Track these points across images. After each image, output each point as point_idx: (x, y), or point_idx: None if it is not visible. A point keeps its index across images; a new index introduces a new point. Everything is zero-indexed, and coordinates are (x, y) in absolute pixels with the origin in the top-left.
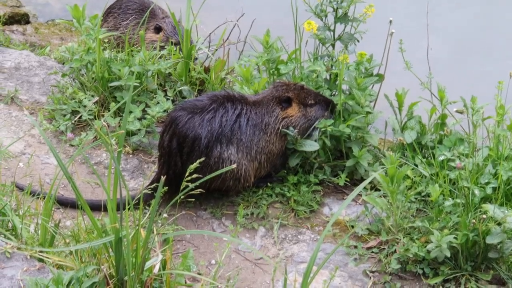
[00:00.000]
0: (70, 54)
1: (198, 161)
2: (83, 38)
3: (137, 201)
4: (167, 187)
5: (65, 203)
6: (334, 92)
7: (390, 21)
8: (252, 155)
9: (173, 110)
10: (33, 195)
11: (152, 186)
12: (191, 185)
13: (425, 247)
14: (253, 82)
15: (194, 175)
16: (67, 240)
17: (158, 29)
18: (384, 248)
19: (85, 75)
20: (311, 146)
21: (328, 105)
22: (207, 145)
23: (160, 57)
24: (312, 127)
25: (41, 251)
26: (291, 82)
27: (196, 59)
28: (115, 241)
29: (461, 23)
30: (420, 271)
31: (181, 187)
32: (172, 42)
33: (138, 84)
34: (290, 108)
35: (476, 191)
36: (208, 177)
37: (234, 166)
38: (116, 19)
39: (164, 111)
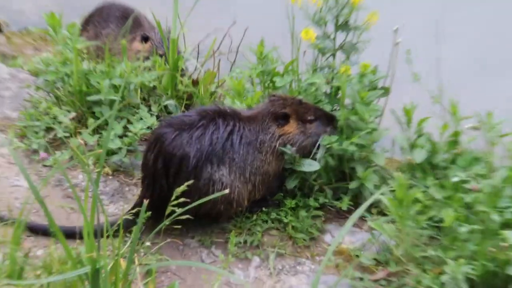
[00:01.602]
0: (45, 66)
1: (186, 183)
2: (59, 48)
3: (117, 227)
4: (150, 212)
5: (36, 230)
6: (335, 107)
7: (396, 30)
8: (246, 176)
9: (158, 127)
10: (1, 221)
11: (134, 211)
12: (178, 210)
13: (439, 279)
14: (246, 96)
15: (181, 199)
16: (38, 272)
17: (145, 39)
18: (393, 280)
19: (61, 88)
20: (310, 166)
21: (329, 121)
22: (196, 165)
23: (144, 69)
24: (316, 145)
25: (8, 284)
26: (288, 96)
27: (183, 70)
28: (91, 273)
29: (475, 31)
30: None
31: (167, 212)
32: (159, 54)
33: (119, 99)
34: (287, 125)
35: (495, 216)
36: (198, 202)
37: (226, 191)
38: (96, 27)
39: (148, 128)
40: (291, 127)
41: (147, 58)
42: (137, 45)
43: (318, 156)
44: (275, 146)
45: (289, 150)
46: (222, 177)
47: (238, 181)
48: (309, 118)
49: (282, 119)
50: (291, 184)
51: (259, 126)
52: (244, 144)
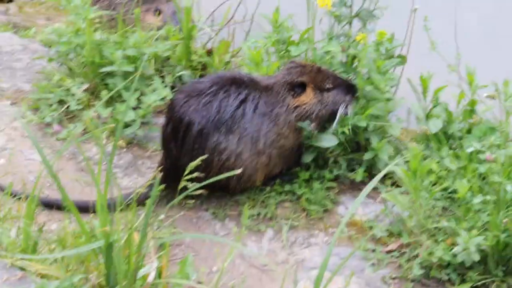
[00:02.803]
0: (57, 36)
1: (200, 158)
2: (71, 18)
3: (131, 201)
4: (164, 184)
5: (50, 205)
6: (351, 76)
7: None
8: (259, 148)
9: (174, 94)
10: (15, 196)
11: (148, 183)
12: (190, 185)
13: (451, 250)
14: (261, 67)
15: (195, 174)
16: (52, 246)
17: (158, 12)
18: (405, 252)
19: (73, 59)
20: (328, 141)
21: (349, 89)
22: (200, 132)
23: (157, 39)
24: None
25: (22, 259)
26: (307, 63)
27: None
28: (105, 247)
29: None
30: (446, 277)
31: (180, 187)
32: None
33: (132, 70)
34: (303, 94)
35: (509, 187)
36: (207, 182)
37: (239, 171)
38: None
39: (162, 99)
40: (308, 97)
41: (160, 29)
42: (150, 17)
43: (330, 129)
44: (291, 119)
45: (308, 126)
46: (229, 147)
47: (249, 151)
48: (327, 86)
49: (298, 88)
50: (308, 157)
51: (274, 97)
52: (259, 115)
